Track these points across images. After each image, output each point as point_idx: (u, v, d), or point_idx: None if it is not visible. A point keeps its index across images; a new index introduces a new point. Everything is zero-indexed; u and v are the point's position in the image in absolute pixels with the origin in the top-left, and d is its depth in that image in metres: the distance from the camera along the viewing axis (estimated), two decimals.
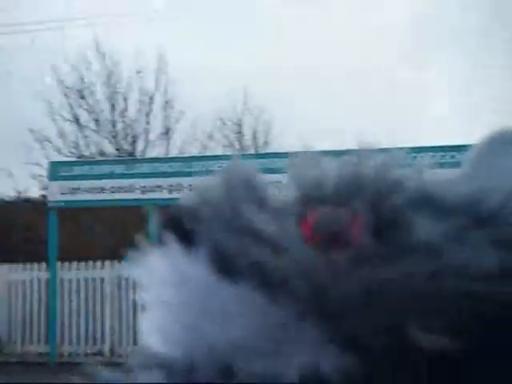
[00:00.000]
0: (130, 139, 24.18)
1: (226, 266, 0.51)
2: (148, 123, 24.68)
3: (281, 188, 0.57)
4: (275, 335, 0.50)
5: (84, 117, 24.17)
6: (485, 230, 0.55)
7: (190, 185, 12.30)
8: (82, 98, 24.45)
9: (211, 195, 0.55)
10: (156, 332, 0.52)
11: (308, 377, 0.49)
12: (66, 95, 24.39)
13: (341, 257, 0.52)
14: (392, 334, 0.51)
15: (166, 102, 24.66)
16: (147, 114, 24.73)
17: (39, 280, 14.10)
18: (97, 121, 24.35)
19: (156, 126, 24.30)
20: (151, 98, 24.73)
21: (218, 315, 0.50)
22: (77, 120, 23.84)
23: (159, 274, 0.52)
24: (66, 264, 13.81)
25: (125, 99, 24.67)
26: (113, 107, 24.62)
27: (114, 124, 24.24)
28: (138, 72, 24.57)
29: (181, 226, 0.53)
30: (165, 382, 0.51)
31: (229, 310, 0.50)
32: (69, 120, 23.65)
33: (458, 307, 0.51)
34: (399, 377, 0.51)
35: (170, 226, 0.53)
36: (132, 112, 24.70)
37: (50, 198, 13.38)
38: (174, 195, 11.75)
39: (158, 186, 12.89)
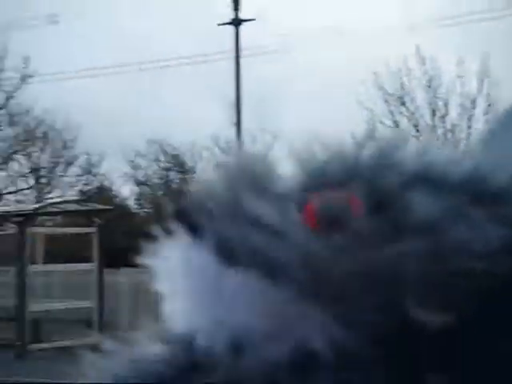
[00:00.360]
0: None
1: (228, 254, 0.54)
2: (470, 127, 23.94)
3: (284, 174, 0.59)
4: (276, 317, 0.53)
5: (403, 123, 24.11)
6: (486, 208, 0.55)
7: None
8: (403, 104, 24.49)
9: (214, 186, 0.58)
10: (170, 318, 0.58)
11: (305, 354, 0.52)
12: (386, 102, 24.62)
13: (339, 239, 0.53)
14: (391, 312, 0.52)
15: (489, 105, 23.77)
16: (469, 119, 24.03)
17: None
18: (416, 126, 24.17)
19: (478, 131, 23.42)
20: (473, 102, 24.02)
21: (225, 301, 0.54)
22: (397, 126, 23.86)
23: (170, 266, 0.57)
24: None
25: (445, 104, 24.24)
26: (433, 112, 24.32)
27: (434, 129, 23.84)
28: (460, 76, 24.07)
29: (188, 217, 0.57)
30: (174, 356, 0.55)
31: (234, 296, 0.54)
32: (389, 126, 23.73)
33: (457, 284, 0.53)
34: (398, 353, 0.53)
35: (178, 218, 0.57)
36: (453, 116, 24.15)
37: None
38: None
39: None
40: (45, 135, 31.69)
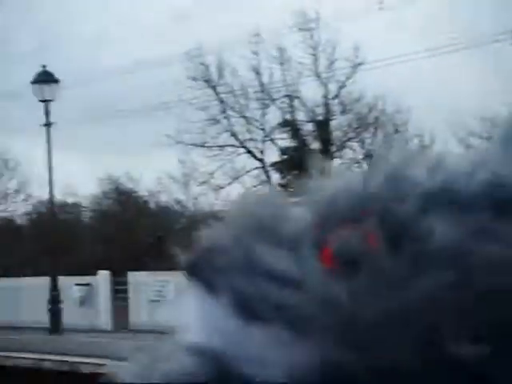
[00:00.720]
0: None
1: (248, 310, 0.52)
2: None
3: (297, 212, 0.56)
4: (306, 372, 0.51)
5: None
6: (509, 219, 0.52)
7: None
8: None
9: (223, 239, 0.56)
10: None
11: None
12: None
13: (361, 281, 0.51)
14: (427, 352, 0.50)
15: None
16: None
17: None
18: None
19: None
20: None
21: (251, 359, 0.52)
22: None
23: (190, 321, 0.56)
24: None
25: None
26: None
27: None
28: None
29: (202, 272, 0.56)
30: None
31: (260, 353, 0.52)
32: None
33: (491, 307, 0.50)
34: None
35: (192, 272, 0.56)
36: None
37: None
38: None
39: None
40: (376, 121, 32.03)
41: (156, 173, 34.71)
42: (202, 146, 31.01)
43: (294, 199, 0.57)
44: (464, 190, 0.53)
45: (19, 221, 39.38)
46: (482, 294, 0.50)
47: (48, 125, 23.23)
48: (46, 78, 23.30)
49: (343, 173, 0.58)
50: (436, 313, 0.49)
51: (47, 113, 23.21)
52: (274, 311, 0.51)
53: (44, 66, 23.53)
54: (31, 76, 23.53)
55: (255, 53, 30.31)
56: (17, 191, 38.92)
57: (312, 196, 0.56)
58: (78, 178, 53.01)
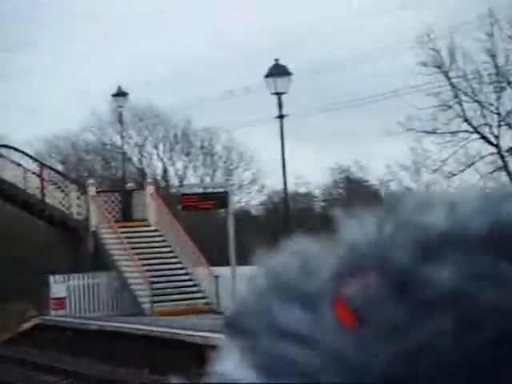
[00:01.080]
0: None
1: (269, 370, 0.54)
2: None
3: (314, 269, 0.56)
4: None
5: None
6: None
7: None
8: None
9: (249, 298, 0.58)
10: None
11: None
12: None
13: (369, 333, 0.52)
14: None
15: None
16: None
17: None
18: None
19: None
20: None
21: None
22: None
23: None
24: None
25: None
26: None
27: None
28: None
29: (232, 332, 0.58)
30: None
31: None
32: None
33: (497, 352, 0.50)
34: None
35: (227, 332, 0.58)
36: None
37: None
38: None
39: None
40: None
41: (385, 161, 34.49)
42: (433, 132, 30.39)
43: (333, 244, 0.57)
44: (466, 231, 0.53)
45: (254, 211, 40.55)
46: (484, 339, 0.50)
47: (281, 117, 23.69)
48: (278, 71, 23.77)
49: (363, 218, 0.57)
50: (437, 360, 0.50)
51: (280, 105, 23.67)
52: (290, 368, 0.53)
53: (277, 60, 24.00)
54: (264, 70, 24.10)
55: (489, 34, 29.27)
56: (251, 182, 40.13)
57: (337, 243, 0.57)
58: (309, 168, 53.81)
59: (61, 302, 25.97)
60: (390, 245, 0.54)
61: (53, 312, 25.94)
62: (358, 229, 0.57)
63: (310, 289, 0.56)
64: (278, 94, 23.69)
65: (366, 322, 0.52)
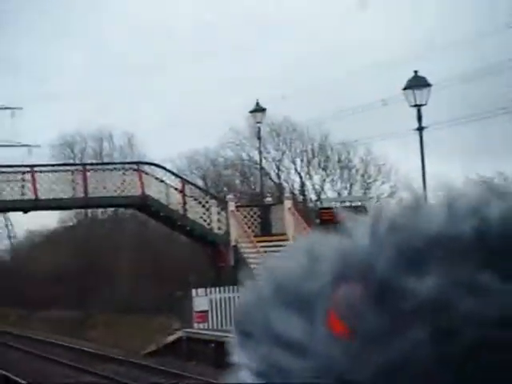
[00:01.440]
0: None
1: (265, 376, 0.55)
2: None
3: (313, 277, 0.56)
4: None
5: None
6: (495, 268, 0.51)
7: None
8: None
9: (250, 305, 0.58)
10: None
11: None
12: None
13: (356, 342, 0.52)
14: None
15: None
16: None
17: None
18: None
19: None
20: None
21: None
22: None
23: None
24: None
25: None
26: None
27: None
28: None
29: (238, 334, 0.59)
30: None
31: None
32: None
33: (476, 360, 0.50)
34: None
35: (236, 331, 0.59)
36: None
37: None
38: None
39: None
40: None
41: None
42: None
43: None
44: (451, 240, 0.53)
45: None
46: (464, 348, 0.50)
47: (420, 129, 23.35)
48: (417, 82, 23.46)
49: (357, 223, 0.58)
50: (417, 369, 0.51)
51: (419, 117, 23.34)
52: (282, 375, 0.54)
53: (416, 72, 23.71)
54: (402, 82, 23.85)
55: None
56: (390, 195, 39.69)
57: (332, 250, 0.57)
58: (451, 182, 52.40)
59: (203, 316, 26.43)
60: (373, 255, 0.54)
61: (195, 325, 26.41)
62: (349, 237, 0.58)
63: (306, 295, 0.56)
64: (417, 105, 23.38)
65: (354, 332, 0.53)
